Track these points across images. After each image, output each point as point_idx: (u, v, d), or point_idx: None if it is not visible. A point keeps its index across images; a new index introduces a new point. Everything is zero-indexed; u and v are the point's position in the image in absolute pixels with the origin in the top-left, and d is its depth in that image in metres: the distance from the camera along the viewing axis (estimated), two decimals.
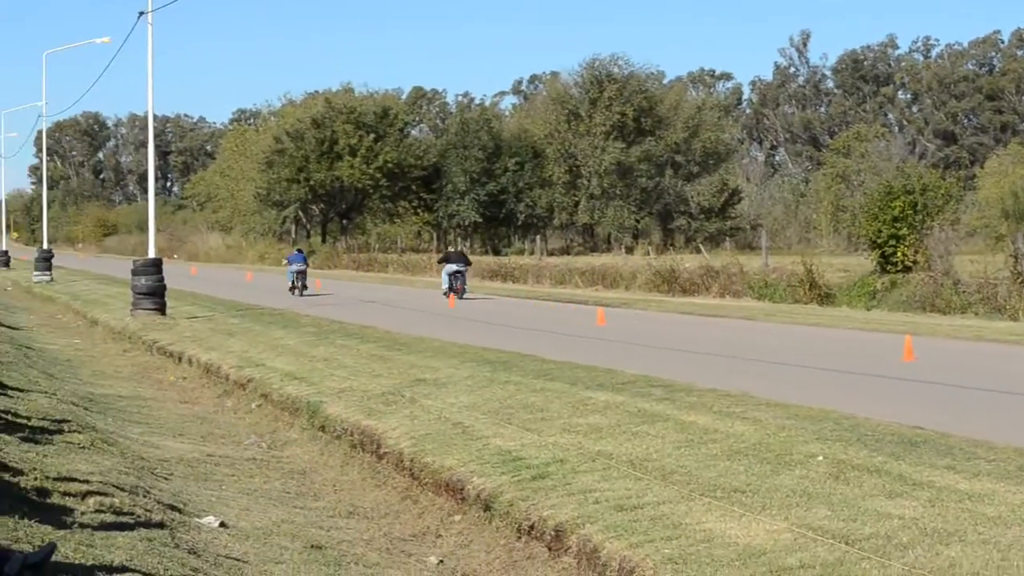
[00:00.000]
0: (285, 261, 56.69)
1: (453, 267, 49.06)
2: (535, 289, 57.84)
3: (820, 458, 13.06)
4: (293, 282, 52.03)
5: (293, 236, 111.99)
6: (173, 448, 17.09)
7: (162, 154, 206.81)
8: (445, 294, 48.09)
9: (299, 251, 55.83)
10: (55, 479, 11.73)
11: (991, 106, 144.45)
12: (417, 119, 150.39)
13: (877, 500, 11.31)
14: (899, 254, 41.42)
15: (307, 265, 53.97)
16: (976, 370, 22.30)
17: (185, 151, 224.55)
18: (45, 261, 67.91)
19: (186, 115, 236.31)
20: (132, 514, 10.93)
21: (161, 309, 38.07)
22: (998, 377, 20.91)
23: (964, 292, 38.16)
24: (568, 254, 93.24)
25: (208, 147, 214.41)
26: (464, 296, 48.08)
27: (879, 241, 42.43)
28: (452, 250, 58.77)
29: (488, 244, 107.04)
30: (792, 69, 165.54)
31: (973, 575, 9.12)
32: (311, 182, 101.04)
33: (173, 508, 12.28)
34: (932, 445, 13.72)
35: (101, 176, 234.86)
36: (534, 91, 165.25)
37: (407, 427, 16.83)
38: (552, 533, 11.66)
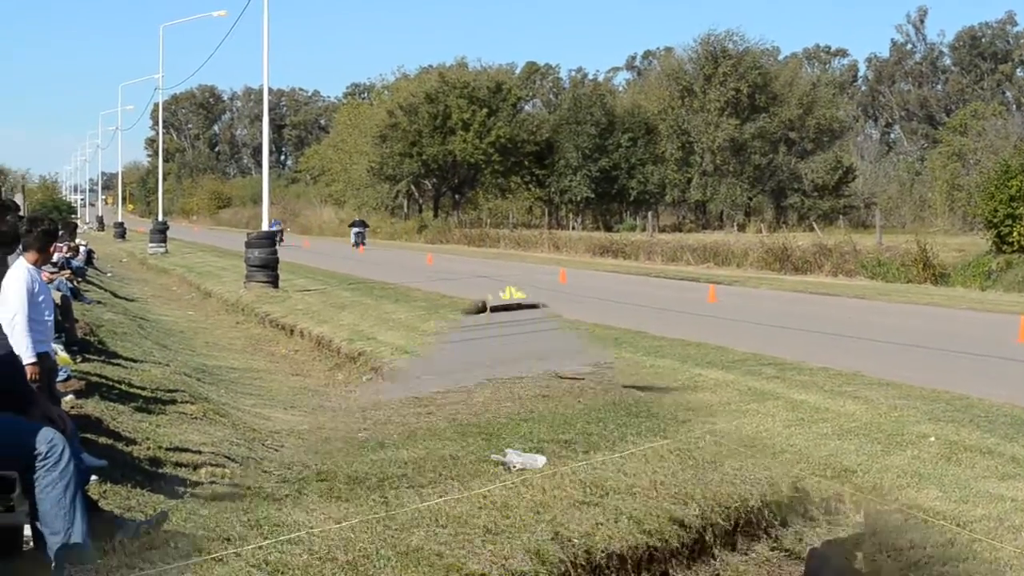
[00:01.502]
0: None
1: (356, 229, 79.08)
2: (646, 265, 57.74)
3: (932, 439, 12.94)
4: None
5: (405, 210, 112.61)
6: (284, 420, 17.20)
7: (276, 128, 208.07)
8: (354, 245, 75.86)
9: (276, 221, 78.90)
10: (167, 449, 11.87)
11: None
12: (530, 94, 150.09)
13: (989, 482, 11.20)
14: (1015, 234, 40.91)
15: (282, 226, 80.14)
16: None
17: (299, 125, 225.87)
18: (160, 233, 68.56)
19: (301, 89, 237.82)
20: (243, 485, 11.02)
21: (274, 282, 38.26)
22: None
23: None
24: (680, 231, 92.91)
25: (322, 121, 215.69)
26: (364, 248, 74.15)
27: (995, 221, 41.94)
28: (357, 219, 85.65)
29: (600, 220, 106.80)
30: (909, 46, 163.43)
31: None
32: (424, 156, 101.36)
33: None
34: None
35: (216, 149, 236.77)
36: (648, 67, 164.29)
37: None
38: None
